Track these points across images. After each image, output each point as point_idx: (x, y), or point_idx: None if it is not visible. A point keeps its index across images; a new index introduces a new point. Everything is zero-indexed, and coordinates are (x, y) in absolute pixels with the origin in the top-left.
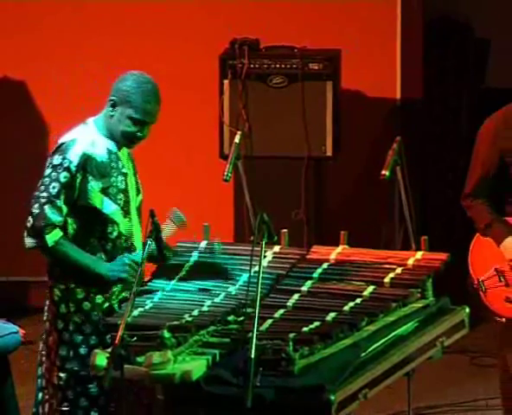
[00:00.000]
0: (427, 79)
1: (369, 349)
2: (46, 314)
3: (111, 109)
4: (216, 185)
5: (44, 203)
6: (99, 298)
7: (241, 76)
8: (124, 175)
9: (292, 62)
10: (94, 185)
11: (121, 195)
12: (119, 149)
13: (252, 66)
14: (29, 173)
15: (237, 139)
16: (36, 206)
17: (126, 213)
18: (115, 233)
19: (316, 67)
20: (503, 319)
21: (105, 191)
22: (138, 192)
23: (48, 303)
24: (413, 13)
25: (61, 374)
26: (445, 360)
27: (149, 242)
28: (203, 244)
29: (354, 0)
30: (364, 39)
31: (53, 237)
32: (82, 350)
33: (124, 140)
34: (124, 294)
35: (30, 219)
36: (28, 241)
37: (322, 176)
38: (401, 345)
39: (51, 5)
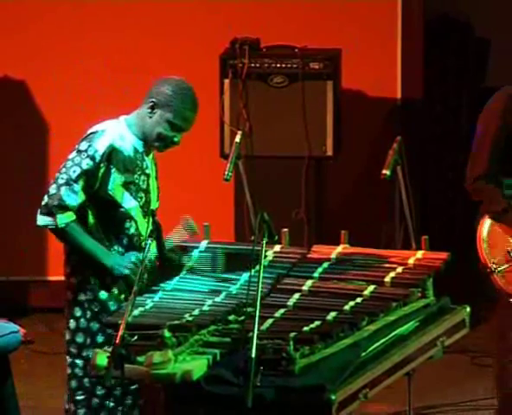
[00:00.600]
0: (428, 79)
1: (370, 349)
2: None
3: (149, 110)
4: (217, 184)
5: (62, 185)
6: (115, 290)
7: (242, 76)
8: (147, 175)
9: (293, 62)
10: (117, 178)
11: (142, 194)
12: (147, 152)
13: (252, 65)
14: (29, 172)
15: (237, 139)
16: (54, 186)
17: (146, 213)
18: (132, 230)
19: (317, 67)
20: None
21: (126, 186)
22: (158, 198)
23: (67, 293)
24: (414, 12)
25: (78, 361)
26: (446, 359)
27: (149, 242)
28: (204, 243)
29: (354, 0)
30: (364, 38)
31: (64, 218)
32: (99, 338)
33: (158, 143)
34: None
35: (46, 197)
36: (40, 218)
37: (322, 176)
38: (402, 345)
39: (51, 4)
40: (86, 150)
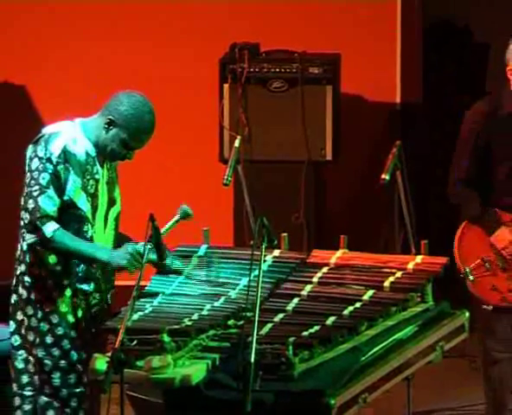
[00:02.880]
0: (427, 84)
1: (369, 353)
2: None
3: (106, 125)
4: (216, 189)
5: (37, 196)
6: (68, 292)
7: (241, 80)
8: (96, 180)
9: (292, 66)
10: (76, 180)
11: (89, 199)
12: (98, 156)
13: (252, 70)
14: None
15: (237, 143)
16: (31, 201)
17: (93, 218)
18: (90, 233)
19: (316, 72)
20: (490, 307)
21: (84, 189)
22: (113, 203)
23: (15, 286)
24: (413, 18)
25: (30, 358)
26: (445, 364)
27: (148, 247)
28: (203, 248)
29: (353, 4)
30: (364, 43)
31: (49, 227)
32: (48, 339)
33: (109, 157)
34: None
35: (27, 215)
36: (28, 237)
37: (321, 180)
38: (401, 349)
39: (51, 11)
40: (44, 155)
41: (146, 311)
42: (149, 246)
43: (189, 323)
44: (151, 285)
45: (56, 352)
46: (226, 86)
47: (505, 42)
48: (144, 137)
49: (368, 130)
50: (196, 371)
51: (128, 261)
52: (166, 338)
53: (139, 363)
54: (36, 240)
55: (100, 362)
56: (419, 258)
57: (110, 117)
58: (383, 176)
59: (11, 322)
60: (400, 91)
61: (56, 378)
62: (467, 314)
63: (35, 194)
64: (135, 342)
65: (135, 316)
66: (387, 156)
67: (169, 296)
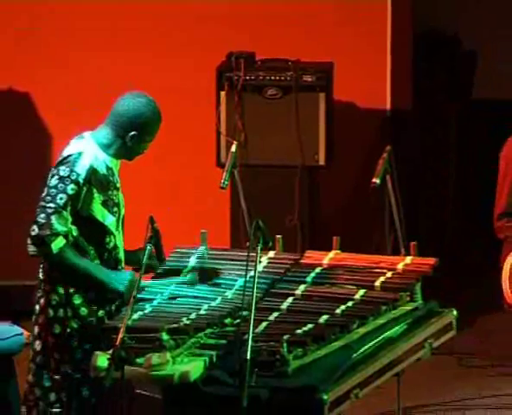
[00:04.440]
0: (418, 91)
1: (360, 351)
2: (35, 318)
3: (130, 141)
4: (213, 192)
5: (51, 213)
6: (94, 306)
7: (237, 88)
8: (118, 189)
9: (286, 74)
10: (97, 197)
11: (116, 208)
12: (115, 164)
13: (247, 78)
14: (33, 180)
15: (233, 148)
16: (43, 216)
17: (118, 225)
18: (112, 244)
19: (310, 79)
20: None
21: (105, 203)
22: (123, 206)
23: (39, 307)
24: (403, 27)
25: (56, 377)
26: (434, 361)
27: (148, 247)
28: (201, 249)
29: (346, 15)
30: (355, 52)
31: (57, 244)
32: (78, 354)
33: (132, 158)
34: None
35: (36, 228)
36: (32, 249)
37: (315, 184)
38: (391, 347)
39: (54, 22)
40: (68, 176)
41: (146, 311)
42: (150, 247)
43: (188, 322)
44: (151, 287)
45: (84, 366)
46: (223, 93)
47: (492, 50)
48: (159, 125)
49: (360, 136)
50: (194, 368)
51: (126, 288)
52: (165, 336)
53: (139, 360)
54: (40, 254)
55: (102, 359)
56: (408, 259)
57: (132, 133)
58: (374, 180)
59: (38, 344)
60: (390, 98)
61: (85, 390)
62: (454, 312)
63: (49, 210)
64: (135, 340)
65: (135, 316)
66: (378, 160)
67: (167, 297)
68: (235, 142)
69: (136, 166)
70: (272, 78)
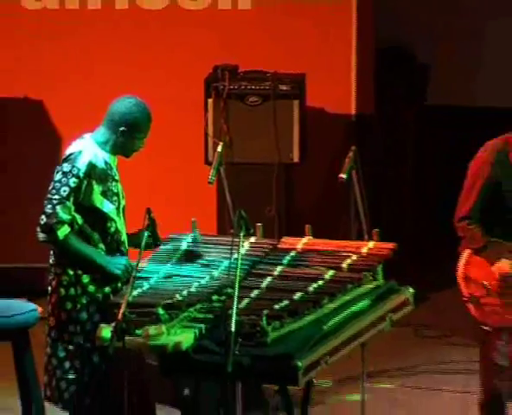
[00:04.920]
0: (379, 98)
1: (330, 324)
2: (49, 298)
3: (120, 135)
4: (202, 187)
5: (56, 204)
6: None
7: (223, 96)
8: (116, 181)
9: (265, 84)
10: (96, 189)
11: (115, 198)
12: (113, 160)
13: (231, 87)
14: (45, 180)
15: (219, 148)
16: (49, 206)
17: (118, 213)
18: (113, 229)
19: (285, 89)
20: (490, 328)
21: (104, 193)
22: (123, 196)
23: (52, 287)
24: (366, 44)
25: (70, 347)
26: (393, 332)
27: (146, 234)
28: (191, 235)
29: (317, 33)
30: (325, 65)
31: (63, 232)
32: (87, 327)
33: (129, 154)
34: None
35: (44, 217)
36: (41, 236)
37: (290, 180)
38: (356, 320)
39: (65, 34)
40: (70, 171)
41: (144, 288)
42: (147, 233)
43: (180, 298)
44: (148, 267)
45: (94, 336)
46: (210, 100)
47: (442, 63)
48: (149, 124)
49: (329, 138)
50: (186, 338)
51: (122, 271)
52: (161, 311)
53: (138, 332)
54: (48, 240)
55: (106, 331)
56: (371, 244)
57: (122, 129)
58: (341, 176)
59: (52, 319)
60: (355, 104)
61: (95, 357)
62: (411, 290)
63: (54, 201)
64: (135, 315)
65: (134, 293)
66: (345, 158)
67: (163, 276)
68: (221, 143)
69: (134, 164)
70: (253, 87)
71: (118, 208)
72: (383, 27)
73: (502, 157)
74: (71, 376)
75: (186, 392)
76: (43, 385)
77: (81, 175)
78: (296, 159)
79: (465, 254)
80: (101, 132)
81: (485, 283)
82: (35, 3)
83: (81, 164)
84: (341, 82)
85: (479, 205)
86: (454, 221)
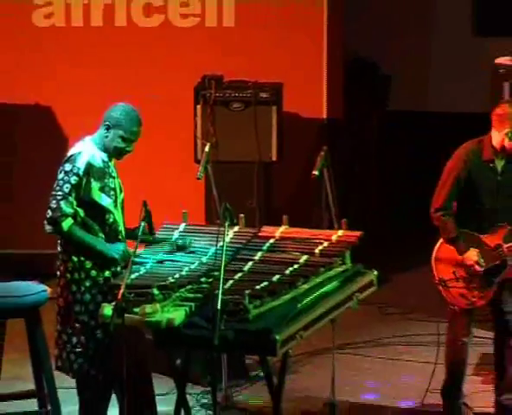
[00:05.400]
0: (348, 105)
1: (304, 302)
2: (58, 281)
3: (105, 132)
4: (192, 182)
5: (60, 199)
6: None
7: (210, 102)
8: (113, 177)
9: (247, 92)
10: (95, 185)
11: (112, 192)
12: (110, 159)
13: (217, 95)
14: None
15: (207, 149)
16: (54, 202)
17: (115, 205)
18: (111, 220)
19: (265, 96)
20: (457, 308)
21: (102, 189)
22: (121, 191)
23: (60, 272)
24: (335, 56)
25: (76, 324)
26: (359, 309)
27: (142, 224)
28: (183, 225)
29: (292, 47)
30: (300, 75)
31: (67, 224)
32: (91, 306)
33: (116, 153)
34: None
35: (49, 211)
36: (48, 228)
37: (269, 176)
38: (327, 299)
39: (72, 48)
40: (71, 170)
41: (141, 272)
42: (143, 224)
43: (173, 280)
44: (144, 254)
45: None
46: (198, 106)
47: (402, 74)
48: (135, 129)
49: (303, 139)
50: (178, 315)
51: (120, 256)
52: (156, 291)
53: (136, 310)
54: (54, 231)
55: (107, 309)
56: (340, 232)
57: (107, 123)
58: (314, 172)
59: (61, 300)
60: (326, 110)
61: (99, 333)
62: (375, 272)
63: (58, 197)
64: (133, 295)
65: (132, 276)
66: (317, 157)
67: (157, 261)
68: (208, 143)
69: (131, 163)
70: (237, 95)
71: (115, 202)
72: (350, 42)
73: (476, 155)
74: (78, 350)
75: (178, 362)
76: (55, 357)
77: (81, 173)
78: (274, 158)
79: (439, 241)
80: (98, 134)
81: (454, 270)
82: (45, 21)
83: (81, 164)
84: (313, 90)
85: (452, 197)
86: (430, 212)
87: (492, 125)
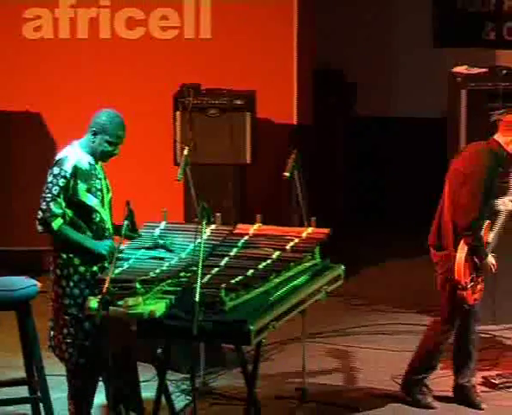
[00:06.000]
0: (316, 111)
1: (276, 295)
2: (50, 276)
3: (92, 137)
4: (171, 183)
5: (49, 201)
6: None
7: (188, 109)
8: (99, 179)
9: (223, 99)
10: (81, 186)
11: (99, 193)
12: (96, 162)
13: (195, 102)
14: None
15: (185, 152)
16: (44, 203)
17: (102, 205)
18: (98, 219)
19: (239, 103)
20: (467, 306)
21: (89, 190)
22: (108, 191)
23: (52, 268)
24: (305, 66)
25: (66, 317)
26: (328, 301)
27: (126, 223)
28: (163, 224)
29: (264, 56)
30: (272, 83)
31: (57, 224)
32: (79, 300)
33: (103, 156)
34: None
35: (40, 212)
36: (40, 228)
37: (243, 177)
38: (298, 291)
39: (59, 58)
40: (59, 173)
41: (124, 267)
42: (127, 222)
43: (154, 275)
44: (126, 251)
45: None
46: (178, 113)
47: (367, 82)
48: (119, 133)
49: (276, 143)
50: (159, 307)
51: (107, 252)
52: (138, 285)
53: (120, 303)
54: (45, 231)
55: (93, 302)
56: (310, 230)
57: (93, 129)
58: (285, 174)
59: (52, 294)
60: (296, 116)
61: (87, 325)
62: (342, 267)
63: (47, 199)
64: (117, 288)
65: (116, 271)
66: (288, 160)
67: (139, 257)
68: (187, 147)
69: (115, 166)
70: (213, 102)
71: (102, 201)
72: (319, 53)
73: (499, 159)
74: (69, 340)
75: (159, 351)
76: (51, 347)
77: (68, 176)
78: (248, 161)
79: (464, 248)
80: (85, 139)
81: (473, 275)
82: (34, 34)
83: (68, 167)
84: (285, 98)
85: (484, 207)
86: (466, 224)
87: (498, 130)
